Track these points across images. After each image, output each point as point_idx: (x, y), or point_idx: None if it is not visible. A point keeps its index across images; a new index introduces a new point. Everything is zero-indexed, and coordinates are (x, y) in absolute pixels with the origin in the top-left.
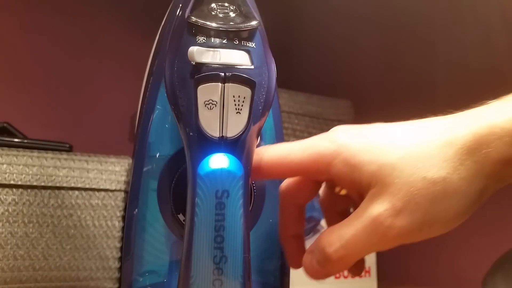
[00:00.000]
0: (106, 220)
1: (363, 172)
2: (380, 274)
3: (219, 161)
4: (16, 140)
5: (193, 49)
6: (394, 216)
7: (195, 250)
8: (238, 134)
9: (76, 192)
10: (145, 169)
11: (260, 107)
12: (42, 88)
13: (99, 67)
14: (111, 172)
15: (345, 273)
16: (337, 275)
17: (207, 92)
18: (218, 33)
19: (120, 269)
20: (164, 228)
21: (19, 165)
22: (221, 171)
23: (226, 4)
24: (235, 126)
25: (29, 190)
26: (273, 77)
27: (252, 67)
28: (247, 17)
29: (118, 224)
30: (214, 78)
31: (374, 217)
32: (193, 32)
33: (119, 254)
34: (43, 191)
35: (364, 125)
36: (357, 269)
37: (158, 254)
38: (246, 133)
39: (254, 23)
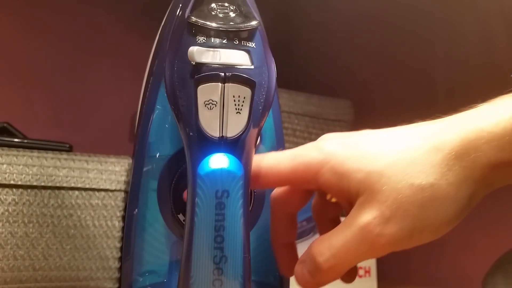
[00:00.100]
0: (106, 220)
1: (350, 180)
2: (380, 274)
3: (219, 161)
4: (16, 140)
5: (193, 49)
6: (383, 224)
7: (195, 250)
8: (238, 134)
9: (76, 192)
10: (145, 169)
11: (260, 107)
12: (42, 88)
13: (99, 67)
14: (111, 172)
15: None
16: None
17: (207, 92)
18: (218, 33)
19: (120, 269)
20: (164, 228)
21: (19, 165)
22: (221, 171)
23: (226, 4)
24: (235, 126)
25: (29, 190)
26: (273, 77)
27: (252, 67)
28: (247, 17)
29: (118, 224)
30: (214, 78)
31: (363, 226)
32: (193, 32)
33: (119, 254)
34: (43, 191)
35: (352, 133)
36: (349, 276)
37: (158, 254)
38: (246, 133)
39: (254, 23)
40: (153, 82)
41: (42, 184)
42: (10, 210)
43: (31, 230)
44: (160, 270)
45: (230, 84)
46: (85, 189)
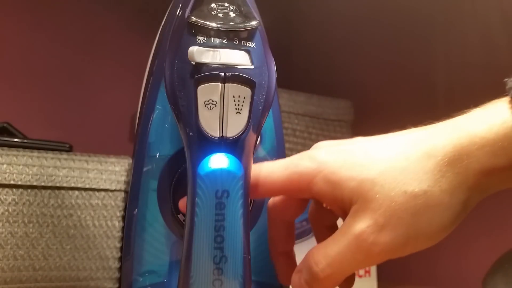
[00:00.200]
0: (106, 220)
1: (344, 188)
2: (380, 274)
3: (219, 161)
4: (16, 140)
5: (193, 49)
6: (377, 232)
7: (195, 250)
8: (238, 134)
9: (76, 192)
10: (145, 169)
11: (260, 107)
12: (42, 88)
13: (99, 67)
14: (111, 172)
15: None
16: None
17: (207, 92)
18: (218, 33)
19: (120, 269)
20: (164, 228)
21: (19, 165)
22: (221, 171)
23: (226, 4)
24: (235, 126)
25: (29, 190)
26: (273, 77)
27: (252, 67)
28: (247, 17)
29: (118, 224)
30: (214, 78)
31: (358, 234)
32: (193, 32)
33: (119, 254)
34: (43, 191)
35: (344, 140)
36: (347, 284)
37: (158, 254)
38: (246, 133)
39: (254, 23)
40: (153, 82)
41: (42, 184)
42: (10, 210)
43: (31, 230)
44: (160, 270)
45: (230, 84)
46: (85, 189)
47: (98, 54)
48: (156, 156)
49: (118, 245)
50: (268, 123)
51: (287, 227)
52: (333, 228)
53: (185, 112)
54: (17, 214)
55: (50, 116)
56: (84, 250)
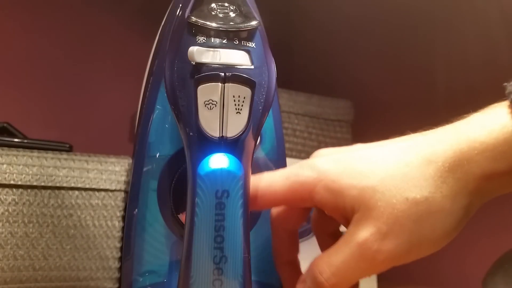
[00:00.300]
0: (106, 220)
1: (345, 197)
2: (380, 274)
3: (219, 161)
4: (16, 140)
5: (193, 49)
6: (380, 240)
7: (195, 250)
8: (238, 134)
9: (76, 192)
10: (145, 169)
11: (260, 107)
12: (42, 88)
13: (99, 67)
14: (111, 172)
15: None
16: None
17: (207, 92)
18: (218, 33)
19: (120, 269)
20: (164, 228)
21: (19, 165)
22: (221, 171)
23: (226, 4)
24: (235, 126)
25: (29, 190)
26: (273, 77)
27: (252, 67)
28: (247, 17)
29: (118, 224)
30: (214, 78)
31: (361, 243)
32: (193, 32)
33: (119, 254)
34: (43, 191)
35: (344, 148)
36: None
37: (158, 254)
38: (246, 133)
39: (254, 23)
40: (153, 82)
41: (42, 184)
42: (10, 210)
43: (31, 230)
44: (160, 270)
45: (230, 84)
46: (85, 189)
47: (98, 55)
48: (156, 156)
49: (118, 245)
50: (268, 123)
51: (291, 236)
52: (336, 235)
53: (185, 112)
54: (17, 214)
55: (50, 116)
56: (84, 250)
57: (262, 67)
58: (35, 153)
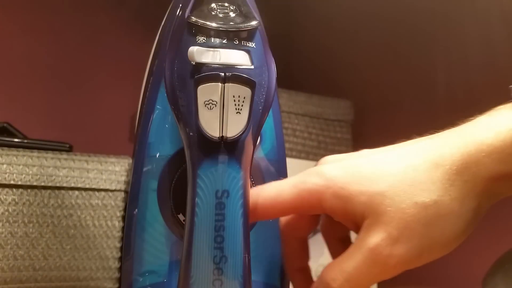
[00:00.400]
0: (106, 220)
1: (354, 203)
2: None
3: (219, 161)
4: (16, 140)
5: (193, 49)
6: (391, 245)
7: (195, 250)
8: (238, 134)
9: (76, 192)
10: (145, 169)
11: (260, 107)
12: (42, 88)
13: (99, 67)
14: (111, 172)
15: None
16: None
17: (207, 92)
18: (218, 33)
19: (120, 269)
20: (164, 228)
21: (19, 165)
22: (221, 171)
23: (226, 4)
24: (235, 126)
25: (29, 190)
26: (273, 77)
27: (252, 67)
28: (247, 17)
29: (118, 224)
30: (214, 78)
31: (372, 248)
32: (193, 32)
33: (119, 254)
34: (43, 191)
35: (351, 154)
36: None
37: (158, 254)
38: (246, 133)
39: (254, 23)
40: (153, 82)
41: (42, 184)
42: (10, 210)
43: (31, 230)
44: (160, 270)
45: (230, 84)
46: (85, 189)
47: (98, 54)
48: (156, 156)
49: (118, 245)
50: (268, 123)
51: (301, 244)
52: (346, 240)
53: (185, 112)
54: (17, 214)
55: (50, 116)
56: (84, 250)
57: (262, 67)
58: (35, 153)
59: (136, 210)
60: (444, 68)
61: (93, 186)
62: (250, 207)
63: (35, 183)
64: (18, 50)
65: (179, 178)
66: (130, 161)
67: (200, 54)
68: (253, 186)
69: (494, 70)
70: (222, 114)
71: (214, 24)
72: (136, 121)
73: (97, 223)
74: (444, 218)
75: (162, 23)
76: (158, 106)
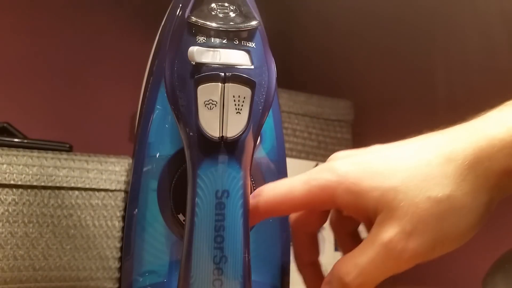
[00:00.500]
0: (106, 220)
1: (367, 199)
2: None
3: (219, 161)
4: (16, 140)
5: (193, 49)
6: (405, 239)
7: (195, 250)
8: (238, 134)
9: (76, 192)
10: (145, 169)
11: (260, 107)
12: (42, 88)
13: (99, 67)
14: (111, 172)
15: None
16: None
17: (207, 92)
18: (218, 33)
19: (120, 269)
20: (164, 228)
21: (19, 165)
22: (221, 171)
23: (226, 4)
24: (235, 126)
25: (29, 190)
26: (273, 77)
27: (252, 67)
28: (247, 17)
29: (118, 224)
30: (214, 78)
31: (386, 242)
32: (193, 32)
33: (119, 254)
34: (43, 191)
35: (361, 150)
36: None
37: (158, 254)
38: (246, 133)
39: (254, 23)
40: (153, 82)
41: (42, 184)
42: (10, 210)
43: (31, 230)
44: (160, 270)
45: (230, 84)
46: (85, 189)
47: (98, 54)
48: (156, 156)
49: (118, 245)
50: (268, 123)
51: (311, 238)
52: (355, 235)
53: (185, 112)
54: (17, 214)
55: (50, 116)
56: (84, 250)
57: (262, 67)
58: (35, 153)
59: (136, 210)
60: (444, 68)
61: (93, 186)
62: (270, 203)
63: (35, 183)
64: (18, 50)
65: (179, 178)
66: (130, 161)
67: (200, 54)
68: (253, 186)
69: (494, 70)
70: (222, 114)
71: (214, 24)
72: (136, 121)
73: (97, 223)
74: (456, 212)
75: (162, 23)
76: (158, 106)
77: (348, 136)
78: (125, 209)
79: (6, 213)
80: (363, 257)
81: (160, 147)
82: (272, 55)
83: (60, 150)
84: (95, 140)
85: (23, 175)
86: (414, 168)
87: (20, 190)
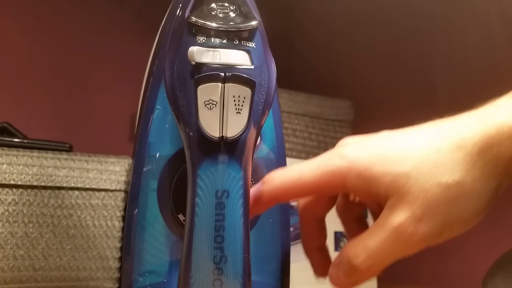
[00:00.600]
0: (106, 220)
1: (379, 184)
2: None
3: (219, 161)
4: (16, 140)
5: (193, 49)
6: (415, 224)
7: (195, 250)
8: (238, 134)
9: (76, 192)
10: (145, 169)
11: (260, 107)
12: (42, 88)
13: (99, 67)
14: (111, 172)
15: None
16: None
17: (207, 92)
18: (218, 33)
19: (120, 269)
20: (164, 228)
21: (19, 165)
22: (221, 171)
23: (226, 4)
24: (235, 126)
25: (29, 190)
26: (273, 77)
27: (252, 67)
28: (247, 17)
29: (118, 224)
30: (214, 78)
31: (397, 226)
32: (193, 32)
33: (119, 254)
34: (43, 191)
35: (370, 136)
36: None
37: (158, 254)
38: (246, 133)
39: (254, 23)
40: (153, 82)
41: (42, 184)
42: (10, 210)
43: (31, 230)
44: (160, 270)
45: (230, 84)
46: (85, 189)
47: (98, 54)
48: (156, 156)
49: (118, 245)
50: (268, 123)
51: (319, 223)
52: (361, 220)
53: (185, 112)
54: (17, 214)
55: (50, 116)
56: (84, 250)
57: (262, 67)
58: (35, 153)
59: (136, 210)
60: (443, 68)
61: (93, 186)
62: (281, 187)
63: (35, 183)
64: (18, 50)
65: (179, 178)
66: (130, 161)
67: (200, 54)
68: (253, 186)
69: (494, 70)
70: (222, 114)
71: (214, 24)
72: (136, 121)
73: (97, 223)
74: (466, 197)
75: (162, 23)
76: (158, 106)
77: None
78: (125, 209)
79: (6, 213)
80: (373, 240)
81: (160, 147)
82: (272, 55)
83: (60, 150)
84: (95, 140)
85: (23, 175)
86: (424, 154)
87: (20, 190)
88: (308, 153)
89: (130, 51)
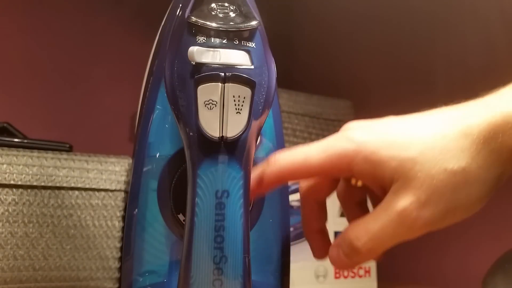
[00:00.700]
0: (106, 220)
1: (385, 168)
2: (380, 274)
3: (219, 161)
4: (16, 140)
5: (193, 49)
6: (419, 208)
7: (195, 250)
8: (238, 134)
9: (76, 192)
10: (145, 169)
11: (260, 107)
12: (42, 88)
13: (99, 67)
14: (111, 172)
15: (345, 273)
16: (337, 275)
17: (207, 92)
18: (218, 33)
19: (120, 269)
20: (164, 228)
21: (19, 165)
22: (221, 171)
23: (226, 4)
24: (235, 126)
25: (29, 190)
26: (273, 77)
27: (252, 67)
28: (247, 17)
29: (118, 224)
30: (214, 78)
31: (401, 211)
32: (193, 32)
33: (119, 254)
34: (43, 191)
35: (377, 120)
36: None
37: (158, 254)
38: (246, 133)
39: (254, 23)
40: (153, 82)
41: (42, 184)
42: (10, 210)
43: (31, 230)
44: (160, 270)
45: (230, 84)
46: (85, 189)
47: (98, 54)
48: (156, 156)
49: (118, 245)
50: (268, 123)
51: (320, 206)
52: (362, 205)
53: (185, 112)
54: (17, 214)
55: (50, 116)
56: (84, 250)
57: (262, 67)
58: (35, 153)
59: (136, 210)
60: (444, 68)
61: (93, 186)
62: (287, 167)
63: (35, 183)
64: (18, 50)
65: (179, 178)
66: (130, 161)
67: (200, 54)
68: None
69: (494, 70)
70: (222, 114)
71: (214, 24)
72: (136, 121)
73: (97, 223)
74: (470, 184)
75: (162, 23)
76: (158, 106)
77: None
78: (125, 209)
79: (6, 213)
80: (376, 223)
81: (160, 147)
82: (272, 55)
83: (60, 150)
84: (95, 140)
85: (23, 175)
86: (431, 140)
87: (20, 190)
88: None
89: (130, 51)
